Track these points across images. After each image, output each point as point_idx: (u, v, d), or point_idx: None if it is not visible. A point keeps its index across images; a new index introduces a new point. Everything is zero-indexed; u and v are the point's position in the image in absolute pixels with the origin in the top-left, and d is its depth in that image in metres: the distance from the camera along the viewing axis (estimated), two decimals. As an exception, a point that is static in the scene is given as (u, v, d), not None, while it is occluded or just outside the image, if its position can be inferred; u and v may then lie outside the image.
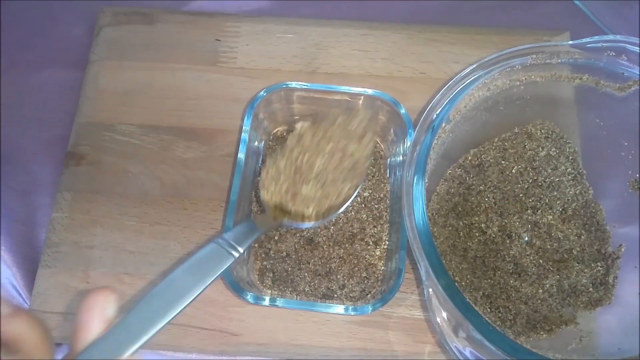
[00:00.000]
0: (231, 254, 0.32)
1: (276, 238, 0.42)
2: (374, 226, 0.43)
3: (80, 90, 0.49)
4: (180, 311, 0.28)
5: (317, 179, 0.38)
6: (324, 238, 0.42)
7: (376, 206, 0.43)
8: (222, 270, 0.31)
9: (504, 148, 0.44)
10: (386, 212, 0.43)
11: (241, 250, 0.33)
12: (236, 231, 0.34)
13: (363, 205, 0.43)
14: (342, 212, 0.41)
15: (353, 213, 0.43)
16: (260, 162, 0.45)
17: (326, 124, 0.40)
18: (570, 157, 0.43)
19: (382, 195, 0.44)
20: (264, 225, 0.37)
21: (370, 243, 0.42)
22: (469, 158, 0.44)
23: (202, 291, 0.29)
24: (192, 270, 0.30)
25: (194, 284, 0.29)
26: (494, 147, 0.44)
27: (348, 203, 0.40)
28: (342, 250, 0.42)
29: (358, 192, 0.41)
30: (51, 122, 0.50)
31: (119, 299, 0.24)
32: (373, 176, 0.44)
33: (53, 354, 0.23)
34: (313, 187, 0.38)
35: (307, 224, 0.39)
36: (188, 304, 0.28)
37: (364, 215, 0.43)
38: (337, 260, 0.42)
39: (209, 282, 0.30)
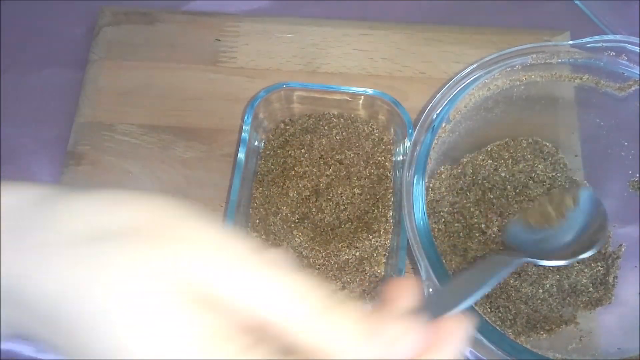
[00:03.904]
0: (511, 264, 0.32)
1: (279, 237, 0.42)
2: (374, 226, 0.43)
3: (80, 90, 0.49)
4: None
5: None
6: (328, 238, 0.42)
7: (376, 206, 0.43)
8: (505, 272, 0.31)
9: (495, 157, 0.44)
10: (386, 211, 0.43)
11: (514, 265, 0.32)
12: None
13: (363, 205, 0.43)
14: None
15: (353, 213, 0.43)
16: (259, 160, 0.45)
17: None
18: (563, 169, 0.44)
19: (382, 195, 0.44)
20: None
21: (371, 243, 0.42)
22: (463, 164, 0.44)
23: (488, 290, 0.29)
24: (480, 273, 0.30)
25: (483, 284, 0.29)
26: (487, 155, 0.44)
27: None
28: (342, 251, 0.42)
29: None
30: (51, 122, 0.50)
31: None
32: (374, 175, 0.44)
33: None
34: None
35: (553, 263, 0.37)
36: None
37: (364, 215, 0.43)
38: (339, 261, 0.42)
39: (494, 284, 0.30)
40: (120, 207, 0.19)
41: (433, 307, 0.22)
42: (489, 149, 0.44)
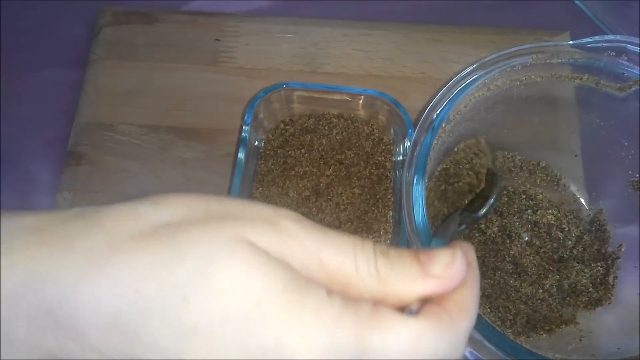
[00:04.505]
0: None
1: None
2: (374, 226, 0.43)
3: (80, 90, 0.49)
4: None
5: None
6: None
7: (376, 206, 0.43)
8: None
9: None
10: (386, 211, 0.43)
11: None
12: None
13: (363, 205, 0.43)
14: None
15: (353, 213, 0.43)
16: (259, 160, 0.45)
17: None
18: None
19: (382, 195, 0.44)
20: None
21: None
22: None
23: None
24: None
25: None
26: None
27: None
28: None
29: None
30: (51, 122, 0.50)
31: None
32: (374, 175, 0.44)
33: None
34: None
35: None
36: None
37: (364, 215, 0.43)
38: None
39: None
40: (162, 203, 0.19)
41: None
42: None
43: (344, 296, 0.18)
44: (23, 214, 0.18)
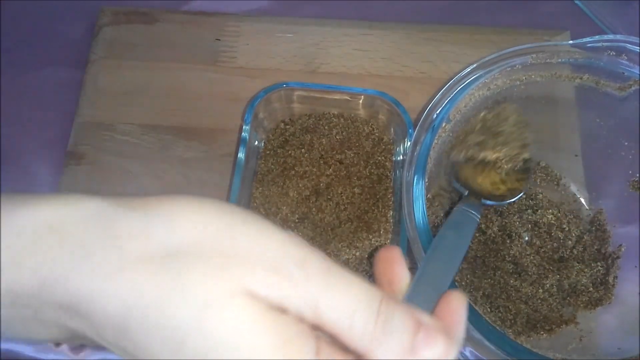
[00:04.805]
0: (476, 218, 0.35)
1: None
2: (374, 226, 0.43)
3: (80, 90, 0.49)
4: (459, 265, 0.31)
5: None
6: (328, 237, 0.42)
7: (376, 206, 0.43)
8: (473, 231, 0.34)
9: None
10: (386, 211, 0.43)
11: (479, 217, 0.36)
12: (470, 205, 0.36)
13: (363, 205, 0.43)
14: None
15: (353, 213, 0.43)
16: (259, 160, 0.45)
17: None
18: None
19: (382, 195, 0.44)
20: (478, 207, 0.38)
21: (371, 242, 0.42)
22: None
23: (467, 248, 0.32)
24: (454, 230, 0.33)
25: (461, 241, 0.32)
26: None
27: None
28: (342, 251, 0.42)
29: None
30: (51, 122, 0.50)
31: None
32: (374, 175, 0.44)
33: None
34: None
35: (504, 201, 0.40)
36: (462, 260, 0.31)
37: (364, 215, 0.43)
38: (339, 261, 0.42)
39: (469, 240, 0.33)
40: (176, 221, 0.20)
41: (425, 290, 0.25)
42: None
43: (332, 345, 0.19)
44: (40, 202, 0.20)
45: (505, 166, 0.39)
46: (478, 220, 0.35)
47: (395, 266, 0.23)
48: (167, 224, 0.20)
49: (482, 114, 0.40)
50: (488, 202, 0.39)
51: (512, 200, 0.40)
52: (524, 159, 0.40)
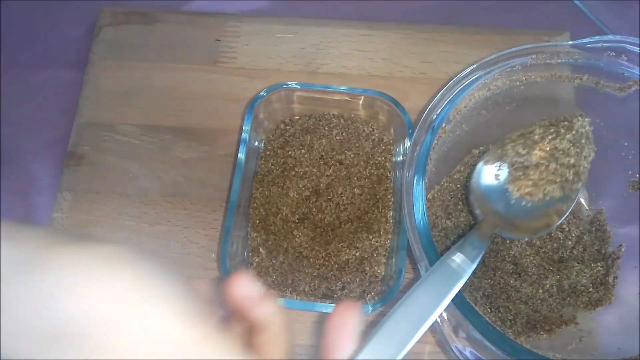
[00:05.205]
0: (461, 276, 0.32)
1: (279, 236, 0.42)
2: (374, 226, 0.43)
3: (80, 90, 0.49)
4: (422, 333, 0.28)
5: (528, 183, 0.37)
6: (328, 238, 0.42)
7: (376, 206, 0.43)
8: (456, 291, 0.31)
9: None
10: (386, 211, 0.43)
11: (470, 271, 0.32)
12: (465, 250, 0.33)
13: (363, 205, 0.43)
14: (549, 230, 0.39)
15: (353, 213, 0.43)
16: (259, 160, 0.45)
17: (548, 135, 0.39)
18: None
19: (382, 195, 0.44)
20: (487, 239, 0.36)
21: (371, 243, 0.42)
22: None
23: (439, 314, 0.29)
24: (428, 292, 0.30)
25: (432, 306, 0.29)
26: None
27: (563, 217, 0.38)
28: (342, 251, 0.42)
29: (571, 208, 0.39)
30: (51, 122, 0.50)
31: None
32: (374, 175, 0.44)
33: (292, 339, 0.23)
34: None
35: (526, 237, 0.38)
36: (429, 326, 0.28)
37: (364, 215, 0.43)
38: (339, 261, 0.42)
39: (445, 305, 0.30)
40: (73, 294, 0.19)
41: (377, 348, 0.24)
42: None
43: None
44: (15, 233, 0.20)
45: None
46: (468, 272, 0.32)
47: (344, 332, 0.23)
48: (62, 296, 0.18)
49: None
50: (506, 235, 0.37)
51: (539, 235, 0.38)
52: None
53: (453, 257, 0.32)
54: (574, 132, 0.38)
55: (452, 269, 0.32)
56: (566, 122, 0.38)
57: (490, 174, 0.39)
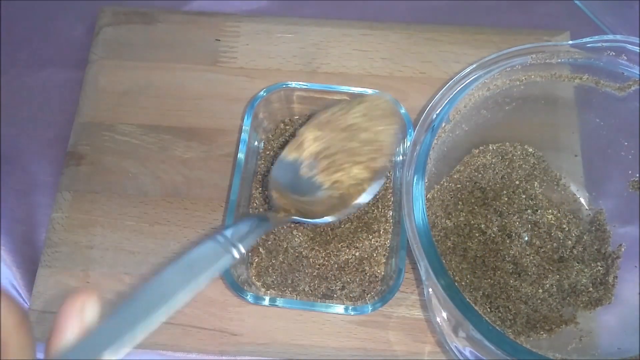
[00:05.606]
0: (231, 254, 0.28)
1: (279, 236, 0.42)
2: (374, 226, 0.43)
3: (80, 90, 0.49)
4: (165, 315, 0.24)
5: (329, 169, 0.37)
6: (328, 237, 0.42)
7: (376, 206, 0.43)
8: (218, 271, 0.27)
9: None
10: (386, 211, 0.43)
11: (243, 250, 0.29)
12: (239, 228, 0.30)
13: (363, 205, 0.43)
14: (362, 206, 0.39)
15: (353, 213, 0.43)
16: (259, 160, 0.45)
17: (339, 111, 0.39)
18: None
19: (382, 195, 0.44)
20: (273, 222, 0.34)
21: (371, 243, 0.42)
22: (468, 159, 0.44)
23: (193, 294, 0.25)
24: (183, 270, 0.26)
25: (182, 285, 0.25)
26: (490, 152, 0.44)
27: (370, 196, 0.38)
28: (342, 251, 0.42)
29: (384, 184, 0.39)
30: (51, 122, 0.50)
31: (99, 301, 0.22)
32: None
33: (31, 339, 0.22)
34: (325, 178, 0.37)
35: (321, 220, 0.38)
36: (175, 308, 0.25)
37: (364, 215, 0.43)
38: (339, 261, 0.42)
39: (201, 285, 0.26)
40: None
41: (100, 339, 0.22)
42: (492, 148, 0.44)
43: None
44: None
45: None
46: (238, 254, 0.28)
47: (69, 316, 0.22)
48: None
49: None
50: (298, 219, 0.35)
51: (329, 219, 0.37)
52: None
53: (226, 235, 0.29)
54: (366, 104, 0.38)
55: (221, 248, 0.28)
56: (359, 97, 0.39)
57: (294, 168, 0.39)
